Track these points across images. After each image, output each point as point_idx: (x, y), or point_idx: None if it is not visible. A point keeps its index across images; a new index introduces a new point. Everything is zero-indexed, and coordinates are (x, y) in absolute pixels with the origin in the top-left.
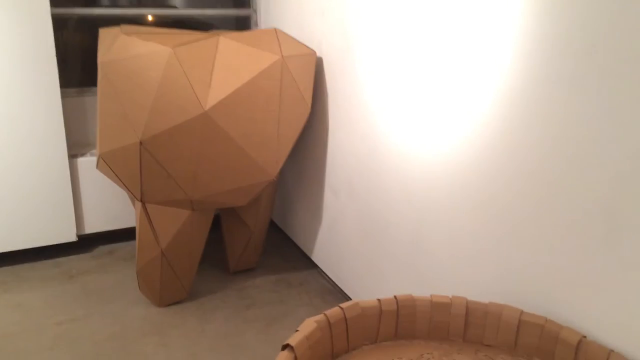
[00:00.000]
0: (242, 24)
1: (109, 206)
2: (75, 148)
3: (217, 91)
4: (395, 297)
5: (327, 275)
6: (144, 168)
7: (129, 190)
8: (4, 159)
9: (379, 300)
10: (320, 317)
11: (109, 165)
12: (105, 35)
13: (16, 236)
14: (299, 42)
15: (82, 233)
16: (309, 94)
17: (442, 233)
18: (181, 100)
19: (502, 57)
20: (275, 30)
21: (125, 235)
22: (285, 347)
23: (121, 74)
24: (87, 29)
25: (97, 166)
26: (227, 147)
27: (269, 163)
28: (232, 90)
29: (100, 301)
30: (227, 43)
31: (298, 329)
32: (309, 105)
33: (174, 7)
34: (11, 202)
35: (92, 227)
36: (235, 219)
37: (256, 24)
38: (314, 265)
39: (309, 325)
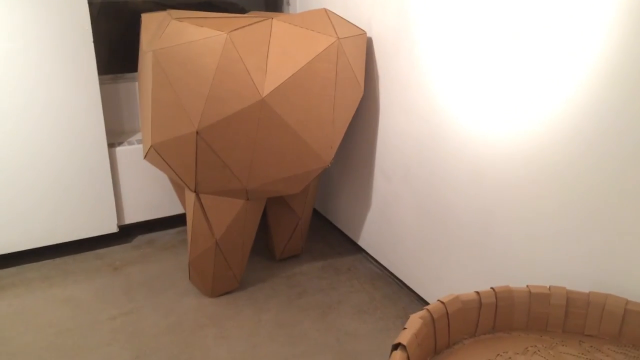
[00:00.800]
0: (272, 4)
1: (147, 196)
2: (111, 137)
3: (274, 77)
4: (493, 288)
5: (374, 260)
6: (199, 158)
7: (182, 181)
8: (42, 151)
9: (477, 292)
10: (423, 312)
11: (161, 155)
12: (150, 21)
13: (57, 229)
14: (349, 22)
15: (122, 223)
16: (362, 76)
17: (517, 218)
18: (238, 88)
19: (598, 27)
20: (325, 10)
21: (163, 224)
22: (397, 346)
23: (175, 62)
24: (115, 13)
25: (146, 157)
26: (283, 134)
27: (323, 149)
28: (288, 75)
29: (149, 293)
30: (280, 26)
31: (406, 326)
32: (362, 87)
33: None
34: (51, 195)
35: (132, 217)
36: (282, 205)
37: (288, 3)
38: (359, 250)
39: (415, 322)
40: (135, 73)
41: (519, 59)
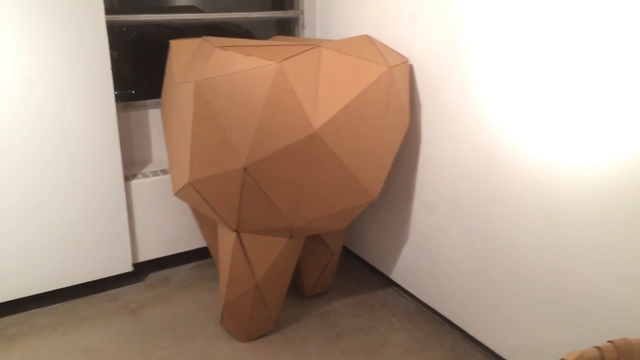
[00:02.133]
0: (284, 27)
1: (162, 231)
2: (124, 168)
3: (326, 108)
4: (612, 342)
5: (408, 294)
6: (244, 195)
7: (221, 219)
8: (57, 187)
9: (598, 348)
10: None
11: (200, 193)
12: (181, 48)
13: (70, 270)
14: (392, 49)
15: (136, 261)
16: (408, 105)
17: (599, 258)
18: (289, 120)
19: None
20: (368, 37)
21: (176, 260)
22: None
23: (221, 94)
24: (122, 38)
25: (177, 193)
26: (333, 168)
27: (371, 182)
28: (341, 107)
29: (175, 339)
30: (329, 54)
31: None
32: (408, 116)
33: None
34: (64, 233)
35: (146, 254)
36: (315, 241)
37: (304, 27)
38: (389, 284)
39: None
40: (148, 101)
41: (601, 81)
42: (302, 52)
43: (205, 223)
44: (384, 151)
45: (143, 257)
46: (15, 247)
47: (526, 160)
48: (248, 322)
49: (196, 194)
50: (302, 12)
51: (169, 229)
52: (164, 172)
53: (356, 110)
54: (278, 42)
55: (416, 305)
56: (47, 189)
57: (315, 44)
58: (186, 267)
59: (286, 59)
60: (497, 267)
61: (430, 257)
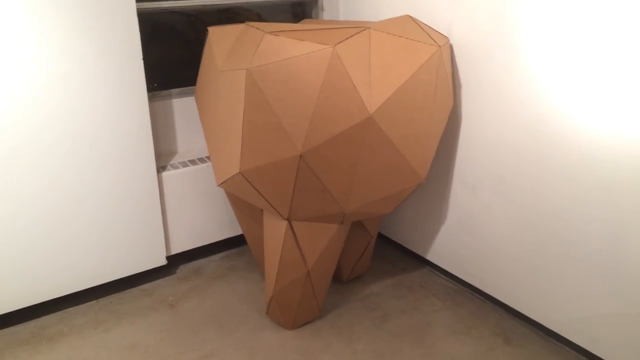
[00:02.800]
0: (297, 11)
1: (193, 223)
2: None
3: (379, 91)
4: None
5: (444, 274)
6: (298, 183)
7: (272, 208)
8: (90, 181)
9: None
10: None
11: (251, 183)
12: (221, 35)
13: (105, 267)
14: (434, 29)
15: (168, 254)
16: (451, 85)
17: None
18: (344, 105)
19: None
20: (411, 17)
21: (205, 250)
22: None
23: (274, 80)
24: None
25: (222, 184)
26: (386, 151)
27: (420, 165)
28: (394, 89)
29: (220, 331)
30: (379, 36)
31: None
32: (452, 97)
33: None
34: (98, 229)
35: (178, 246)
36: (354, 224)
37: (322, 9)
38: (422, 264)
39: None
40: (173, 90)
41: None
42: (353, 35)
43: (245, 212)
44: (432, 133)
45: (175, 249)
46: (52, 247)
47: (580, 135)
48: (296, 310)
49: (246, 184)
50: None
51: (199, 220)
52: (192, 162)
53: (408, 92)
54: (323, 26)
55: (454, 284)
56: (84, 186)
57: (360, 25)
58: (216, 257)
59: (340, 42)
60: (549, 243)
61: (472, 235)
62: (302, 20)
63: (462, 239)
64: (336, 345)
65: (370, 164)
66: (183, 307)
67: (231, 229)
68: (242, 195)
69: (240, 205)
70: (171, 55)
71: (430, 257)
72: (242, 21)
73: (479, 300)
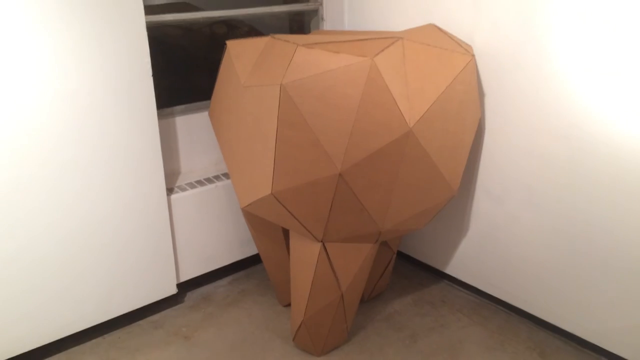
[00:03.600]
0: (296, 21)
1: (203, 246)
2: None
3: (417, 104)
4: None
5: (464, 287)
6: (335, 203)
7: (306, 230)
8: (98, 207)
9: None
10: None
11: (284, 204)
12: (242, 48)
13: (113, 300)
14: (458, 38)
15: (178, 282)
16: (477, 94)
17: None
18: (384, 119)
19: None
20: (436, 26)
21: (210, 276)
22: None
23: (311, 96)
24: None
25: (248, 206)
26: (422, 165)
27: (452, 177)
28: (431, 101)
29: None
30: (412, 46)
31: None
32: (479, 106)
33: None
34: (106, 259)
35: (187, 273)
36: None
37: (322, 19)
38: (440, 278)
39: None
40: (175, 108)
41: None
42: (389, 46)
43: (265, 235)
44: (464, 144)
45: (184, 276)
46: (57, 286)
47: (616, 140)
48: (327, 335)
49: (277, 205)
50: (322, 4)
51: (209, 243)
52: (200, 183)
53: (445, 103)
54: (348, 37)
55: (475, 297)
56: (94, 218)
57: (390, 36)
58: (223, 282)
59: (377, 54)
60: (585, 252)
61: (497, 247)
62: (312, 32)
63: (486, 251)
64: None
65: (408, 179)
66: (200, 339)
67: (239, 251)
68: (269, 217)
69: (260, 227)
70: (170, 71)
71: (449, 270)
72: (236, 34)
73: (504, 313)
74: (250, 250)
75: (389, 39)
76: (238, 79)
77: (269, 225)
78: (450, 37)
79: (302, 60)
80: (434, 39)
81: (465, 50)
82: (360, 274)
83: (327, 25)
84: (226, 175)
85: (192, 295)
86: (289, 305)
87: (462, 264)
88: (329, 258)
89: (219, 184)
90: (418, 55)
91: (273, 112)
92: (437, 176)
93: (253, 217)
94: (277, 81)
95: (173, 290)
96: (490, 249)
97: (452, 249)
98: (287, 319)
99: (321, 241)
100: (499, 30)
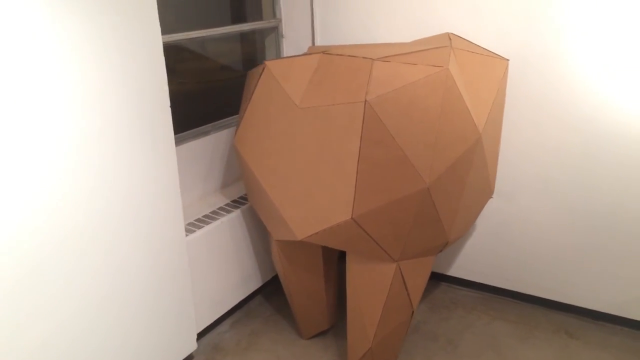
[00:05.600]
0: (248, 39)
1: (214, 291)
2: None
3: (479, 110)
4: None
5: (464, 286)
6: (417, 218)
7: (382, 251)
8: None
9: None
10: None
11: (363, 227)
12: (287, 67)
13: None
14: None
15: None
16: None
17: None
18: (460, 127)
19: None
20: (451, 34)
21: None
22: None
23: (395, 110)
24: None
25: (311, 235)
26: (482, 171)
27: (492, 180)
28: (489, 106)
29: None
30: (460, 54)
31: None
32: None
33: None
34: (130, 326)
35: (201, 323)
36: None
37: (282, 36)
38: (436, 281)
39: None
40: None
41: None
42: (450, 55)
43: (302, 267)
44: (499, 147)
45: (200, 326)
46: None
47: (631, 129)
48: (393, 357)
49: (353, 230)
50: (281, 20)
51: (219, 287)
52: (209, 218)
53: (496, 107)
54: (402, 48)
55: (479, 293)
56: (121, 276)
57: (437, 44)
58: (224, 327)
59: (448, 63)
60: (608, 233)
61: (508, 243)
62: (309, 48)
63: (497, 248)
64: None
65: (471, 186)
66: None
67: (242, 290)
68: (333, 244)
69: (296, 259)
70: None
71: (452, 272)
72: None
73: (514, 304)
74: (250, 287)
75: (443, 47)
76: (290, 100)
77: (307, 256)
78: (473, 43)
79: (382, 74)
80: (467, 45)
81: (498, 55)
82: (423, 287)
83: (287, 43)
84: (229, 207)
85: (202, 343)
86: (313, 337)
87: (469, 264)
88: (402, 277)
89: (224, 219)
90: (468, 63)
91: (352, 131)
92: (488, 180)
93: (288, 249)
94: (356, 98)
95: (193, 346)
96: (502, 245)
97: (457, 252)
98: (319, 351)
99: (397, 260)
100: (505, 33)
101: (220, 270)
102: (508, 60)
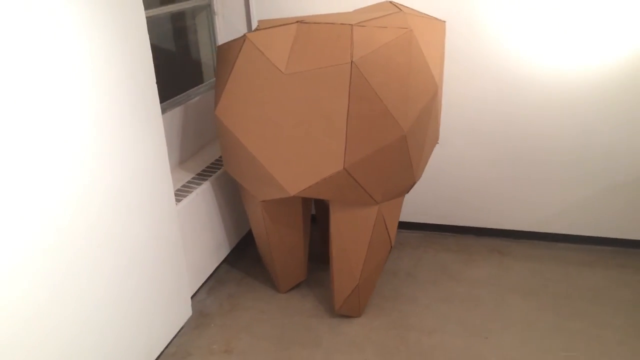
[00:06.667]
0: (179, 19)
1: (199, 259)
2: None
3: (435, 65)
4: None
5: (410, 228)
6: (396, 164)
7: (369, 197)
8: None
9: None
10: None
11: (354, 176)
12: (268, 38)
13: (137, 347)
14: None
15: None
16: None
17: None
18: (424, 81)
19: None
20: (392, 2)
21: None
22: None
23: (376, 69)
24: None
25: (306, 189)
26: (436, 118)
27: (439, 127)
28: (440, 62)
29: (304, 346)
30: (412, 18)
31: None
32: None
33: None
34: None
35: (195, 284)
36: None
37: (215, 13)
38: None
39: None
40: None
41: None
42: (405, 18)
43: (283, 223)
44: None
45: (193, 288)
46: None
47: (537, 72)
48: (371, 291)
49: (344, 180)
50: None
51: (201, 254)
52: (186, 188)
53: (442, 63)
54: (363, 15)
55: (423, 232)
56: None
57: (391, 10)
58: (201, 295)
59: (409, 25)
60: (526, 164)
61: (444, 184)
62: (260, 21)
63: (434, 190)
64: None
65: (430, 133)
66: (241, 348)
67: (218, 255)
68: (324, 195)
69: (278, 216)
70: None
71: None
72: None
73: (452, 236)
74: (222, 254)
75: (398, 12)
76: (275, 68)
77: (289, 213)
78: (417, 10)
79: (361, 38)
80: (412, 11)
81: (437, 18)
82: (396, 225)
83: (220, 20)
84: (199, 179)
85: (199, 302)
86: (290, 290)
87: (412, 208)
88: (383, 217)
89: (198, 190)
90: (418, 25)
91: (340, 90)
92: (437, 127)
93: (272, 209)
94: (342, 60)
95: (189, 312)
96: (439, 186)
97: None
98: (299, 300)
99: (379, 203)
100: (432, 4)
101: (201, 239)
102: (445, 22)
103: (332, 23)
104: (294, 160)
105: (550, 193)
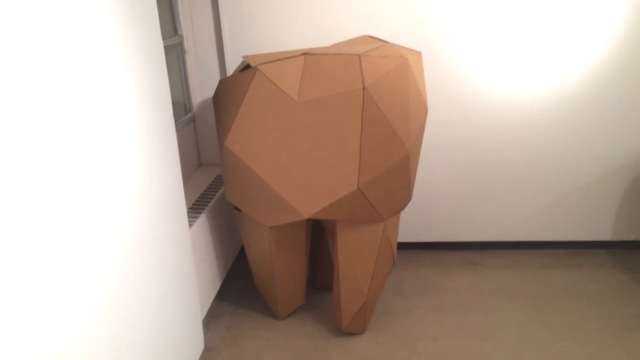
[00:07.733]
0: None
1: (205, 282)
2: None
3: (422, 89)
4: None
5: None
6: (401, 181)
7: (377, 213)
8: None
9: None
10: None
11: (366, 195)
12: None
13: None
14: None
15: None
16: None
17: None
18: (418, 103)
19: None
20: (370, 36)
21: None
22: None
23: (384, 94)
24: None
25: (319, 212)
26: (421, 140)
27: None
28: (424, 86)
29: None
30: (395, 48)
31: None
32: None
33: None
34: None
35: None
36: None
37: (185, 51)
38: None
39: None
40: None
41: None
42: (396, 48)
43: (289, 248)
44: None
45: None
46: None
47: (497, 96)
48: (374, 306)
49: (357, 199)
50: (183, 37)
51: (203, 287)
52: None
53: (425, 88)
54: (355, 46)
55: (399, 251)
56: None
57: (379, 43)
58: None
59: (404, 53)
60: (487, 181)
61: (416, 204)
62: (245, 57)
63: (406, 211)
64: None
65: (419, 154)
66: None
67: (213, 289)
68: (336, 215)
69: (284, 242)
70: None
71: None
72: None
73: (426, 252)
74: (216, 287)
75: (386, 44)
76: (287, 97)
77: (294, 237)
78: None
79: (369, 65)
80: (393, 43)
81: (414, 50)
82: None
83: (191, 58)
84: (195, 212)
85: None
86: (288, 316)
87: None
88: (387, 233)
89: (197, 222)
90: (406, 54)
91: (353, 114)
92: (420, 149)
93: (278, 234)
94: (354, 87)
95: (202, 345)
96: (410, 206)
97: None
98: (299, 325)
99: (385, 220)
100: (396, 34)
101: (203, 270)
102: (421, 52)
103: (338, 54)
104: (307, 183)
105: (510, 205)
